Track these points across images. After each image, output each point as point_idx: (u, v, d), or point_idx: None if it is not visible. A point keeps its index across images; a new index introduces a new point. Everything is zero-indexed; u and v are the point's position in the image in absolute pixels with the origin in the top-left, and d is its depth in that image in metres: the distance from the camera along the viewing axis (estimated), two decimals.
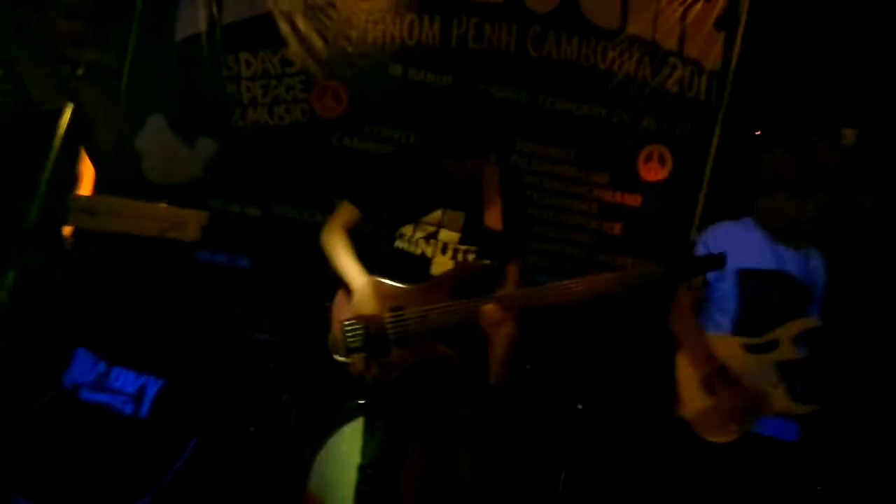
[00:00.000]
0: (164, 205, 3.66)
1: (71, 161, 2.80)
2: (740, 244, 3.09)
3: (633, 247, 4.59)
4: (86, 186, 3.61)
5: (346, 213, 3.08)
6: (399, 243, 3.02)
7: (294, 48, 4.34)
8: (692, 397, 3.04)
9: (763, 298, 3.05)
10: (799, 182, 2.98)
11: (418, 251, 2.98)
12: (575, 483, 3.85)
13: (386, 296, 2.94)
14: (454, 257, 2.97)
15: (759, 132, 4.59)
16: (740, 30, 4.44)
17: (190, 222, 3.61)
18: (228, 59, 4.35)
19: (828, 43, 4.38)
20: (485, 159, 2.95)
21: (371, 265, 3.00)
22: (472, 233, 2.97)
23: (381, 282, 2.96)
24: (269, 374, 4.00)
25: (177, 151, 4.39)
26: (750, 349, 3.01)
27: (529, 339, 3.87)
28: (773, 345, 2.99)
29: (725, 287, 3.10)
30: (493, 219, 2.96)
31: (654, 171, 4.59)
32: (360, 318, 2.91)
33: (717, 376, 2.97)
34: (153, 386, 3.57)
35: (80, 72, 2.42)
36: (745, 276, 3.07)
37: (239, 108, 4.39)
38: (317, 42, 4.34)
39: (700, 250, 3.13)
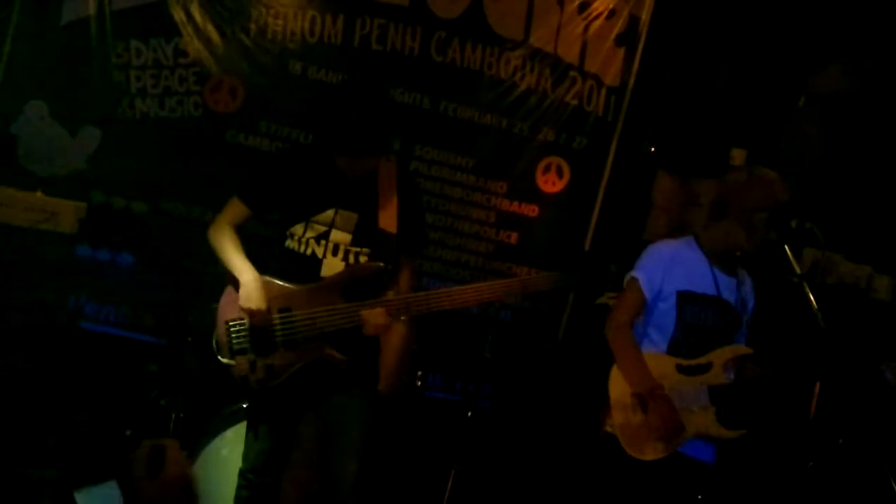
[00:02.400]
0: (38, 194, 3.46)
1: None
2: (682, 265, 3.10)
3: (529, 256, 4.61)
4: None
5: (234, 209, 2.96)
6: (289, 243, 2.92)
7: (188, 39, 4.16)
8: (623, 413, 3.03)
9: (699, 322, 3.07)
10: (752, 213, 2.99)
11: (308, 251, 2.89)
12: (462, 491, 3.81)
13: (274, 296, 2.83)
14: (345, 259, 2.89)
15: (652, 149, 4.70)
16: (640, 47, 4.55)
17: (65, 214, 3.43)
18: (118, 46, 4.13)
19: (723, 64, 4.53)
20: (378, 158, 2.88)
21: (260, 266, 2.89)
22: (365, 234, 2.89)
23: (270, 281, 2.86)
24: (149, 376, 3.82)
25: (58, 140, 4.14)
26: (683, 370, 3.03)
27: (424, 350, 3.85)
28: (705, 368, 3.02)
29: (664, 308, 3.11)
30: (388, 221, 2.89)
31: (551, 183, 4.63)
32: (248, 315, 2.79)
33: (650, 395, 2.97)
34: None
35: None
36: (683, 298, 3.08)
37: (127, 98, 4.18)
38: (213, 34, 4.17)
39: (643, 268, 3.13)
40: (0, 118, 4.06)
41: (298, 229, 2.89)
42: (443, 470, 3.82)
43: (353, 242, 2.88)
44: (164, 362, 3.81)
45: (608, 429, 3.08)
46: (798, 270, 2.86)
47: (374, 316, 2.77)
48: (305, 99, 4.26)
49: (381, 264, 2.86)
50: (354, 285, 2.84)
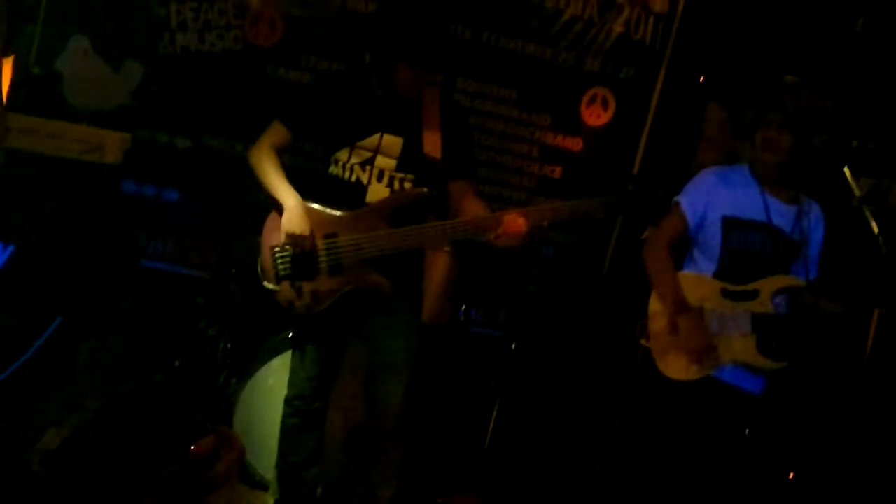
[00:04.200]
0: (82, 125, 3.47)
1: None
2: (730, 191, 3.07)
3: (573, 192, 4.52)
4: None
5: (276, 133, 2.95)
6: (333, 169, 2.91)
7: None
8: (659, 330, 3.01)
9: (747, 248, 3.02)
10: (776, 120, 2.94)
11: (353, 178, 2.87)
12: (508, 420, 3.82)
13: (319, 222, 2.83)
14: (390, 185, 2.87)
15: (702, 78, 4.56)
16: None
17: (110, 144, 3.44)
18: None
19: None
20: (437, 74, 2.83)
21: (303, 192, 2.88)
22: (410, 160, 2.86)
23: (313, 207, 2.85)
24: (197, 308, 3.87)
25: (101, 75, 4.13)
26: (727, 294, 2.99)
27: (467, 285, 3.83)
28: (752, 295, 2.98)
29: (710, 233, 3.07)
30: (433, 146, 2.86)
31: (596, 115, 4.53)
32: (292, 241, 2.78)
33: (679, 311, 2.94)
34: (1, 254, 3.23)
35: None
36: (729, 224, 3.04)
37: (167, 33, 4.15)
38: None
39: (688, 193, 3.08)
40: (44, 53, 4.08)
41: (343, 155, 2.86)
42: (487, 401, 3.83)
43: (398, 168, 2.85)
44: (210, 294, 3.85)
45: (644, 342, 3.05)
46: (858, 193, 2.77)
47: (513, 222, 2.70)
48: (345, 31, 4.20)
49: (426, 190, 2.82)
50: (399, 211, 2.82)
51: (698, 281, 3.04)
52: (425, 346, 3.02)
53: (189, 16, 4.16)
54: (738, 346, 2.96)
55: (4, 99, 3.45)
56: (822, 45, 4.29)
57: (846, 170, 2.77)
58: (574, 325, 4.48)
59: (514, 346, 3.86)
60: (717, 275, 3.04)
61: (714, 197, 3.08)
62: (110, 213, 3.44)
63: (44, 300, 3.20)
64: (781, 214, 3.05)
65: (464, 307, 3.95)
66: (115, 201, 3.58)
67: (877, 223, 2.75)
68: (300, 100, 2.98)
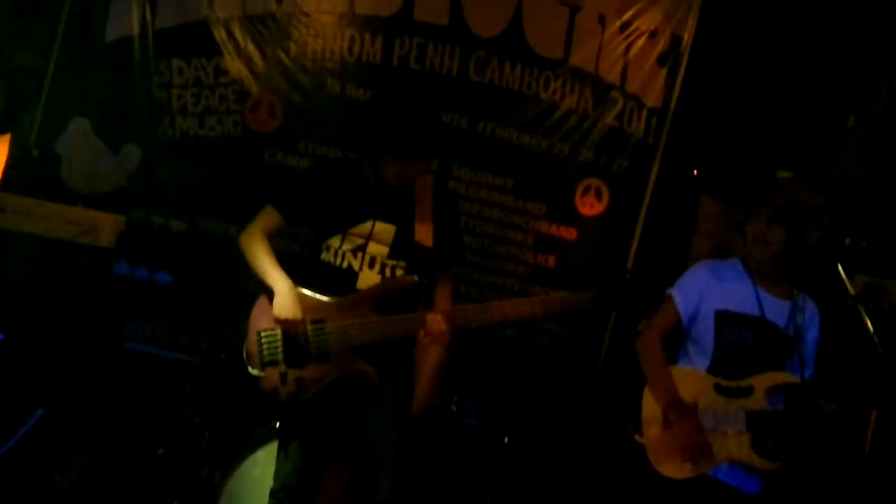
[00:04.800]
0: (78, 207, 3.48)
1: None
2: (722, 285, 3.06)
3: (567, 281, 4.51)
4: None
5: (268, 217, 2.95)
6: (325, 255, 2.90)
7: (229, 58, 4.20)
8: (652, 426, 2.96)
9: (740, 343, 3.00)
10: (765, 214, 2.97)
11: (345, 264, 2.86)
12: None
13: (308, 307, 2.80)
14: (381, 272, 2.85)
15: (695, 172, 4.60)
16: (682, 68, 4.47)
17: (104, 227, 3.44)
18: (160, 64, 4.18)
19: (767, 86, 4.43)
20: (425, 165, 2.85)
21: (294, 277, 2.86)
22: (402, 247, 2.85)
23: (303, 292, 2.82)
24: (185, 394, 3.79)
25: (99, 157, 4.17)
26: (721, 391, 2.95)
27: (459, 376, 3.78)
28: (746, 391, 2.94)
29: (704, 327, 3.05)
30: (424, 234, 2.85)
31: (590, 205, 4.55)
32: (280, 326, 2.76)
33: (672, 409, 2.89)
34: None
35: None
36: (722, 318, 3.02)
37: (168, 117, 4.21)
38: (253, 53, 4.20)
39: (681, 287, 3.08)
40: (44, 135, 4.12)
41: (335, 241, 2.86)
42: (478, 497, 3.73)
43: (390, 255, 2.85)
44: (198, 380, 3.78)
45: (637, 438, 2.99)
46: (852, 291, 2.75)
47: (434, 320, 2.70)
48: (344, 118, 4.25)
49: (416, 278, 2.81)
50: (389, 298, 2.80)
51: (692, 376, 3.01)
52: (415, 437, 2.96)
53: (190, 100, 4.23)
54: (733, 445, 2.91)
55: (0, 178, 3.47)
56: (815, 142, 4.36)
57: (839, 267, 2.76)
58: (568, 418, 4.40)
59: (506, 439, 3.78)
60: (711, 370, 3.01)
61: (707, 291, 3.07)
62: (99, 297, 3.41)
63: (27, 389, 3.14)
64: (775, 309, 3.03)
65: (456, 398, 3.88)
66: (106, 285, 3.55)
67: (872, 322, 2.72)
68: (294, 185, 3.00)
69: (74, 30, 4.15)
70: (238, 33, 4.18)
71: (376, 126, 2.78)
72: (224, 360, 3.59)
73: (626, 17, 4.39)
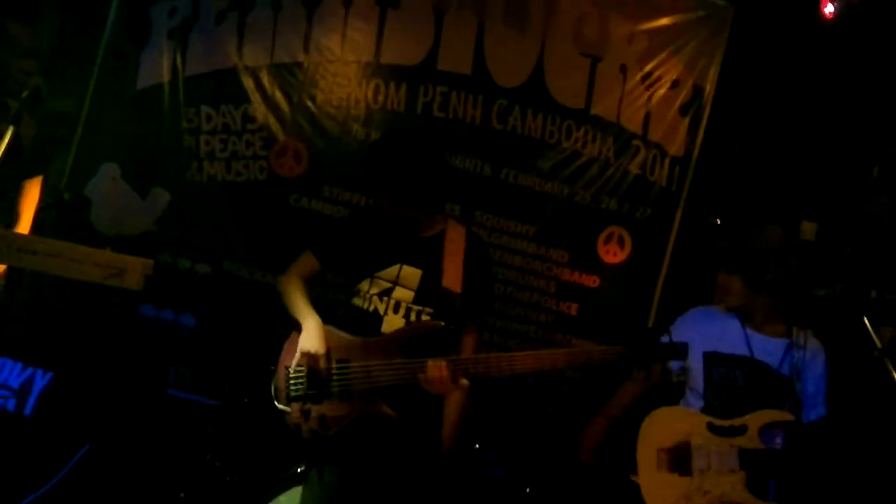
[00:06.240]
0: (107, 250, 3.52)
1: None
2: (712, 326, 3.10)
3: (590, 328, 4.51)
4: (25, 225, 3.47)
5: (306, 262, 3.03)
6: (356, 300, 2.96)
7: (257, 105, 4.28)
8: (647, 467, 2.95)
9: (729, 383, 3.02)
10: (740, 261, 2.99)
11: (371, 308, 2.90)
12: None
13: (334, 345, 2.83)
14: (406, 317, 2.88)
15: (719, 220, 4.59)
16: (704, 117, 4.50)
17: (132, 270, 3.46)
18: (189, 111, 4.27)
19: (791, 135, 4.45)
20: (425, 215, 2.90)
21: (325, 320, 2.90)
22: (428, 293, 2.88)
23: (331, 329, 2.86)
24: (206, 438, 3.80)
25: (128, 202, 4.25)
26: (714, 430, 2.95)
27: (480, 419, 3.76)
28: (739, 430, 2.93)
29: (695, 368, 3.09)
30: (453, 280, 2.88)
31: (613, 253, 4.55)
32: (307, 359, 2.78)
33: (671, 454, 2.89)
34: (40, 380, 3.26)
35: (24, 95, 2.31)
36: (710, 359, 3.05)
37: (195, 162, 4.29)
38: (280, 100, 4.28)
39: (674, 333, 3.09)
40: (75, 179, 4.20)
41: (364, 285, 2.92)
42: None
43: (416, 300, 2.88)
44: (220, 424, 3.79)
45: (633, 477, 3.00)
46: (879, 344, 2.74)
47: (434, 367, 2.71)
48: None
49: (442, 323, 2.82)
50: (414, 342, 2.82)
51: (686, 415, 3.03)
52: (436, 482, 2.94)
53: (217, 146, 4.30)
54: (727, 484, 2.89)
55: (31, 220, 3.53)
56: (839, 193, 4.35)
57: (865, 320, 2.75)
58: (590, 469, 4.35)
59: (528, 489, 3.74)
60: (705, 410, 3.02)
61: (697, 333, 3.11)
62: (139, 341, 3.46)
63: (75, 425, 3.19)
64: (766, 349, 3.06)
65: (477, 446, 3.86)
66: (142, 329, 3.60)
67: None
68: (331, 232, 3.09)
69: (107, 77, 4.25)
70: (266, 81, 4.27)
71: (372, 165, 2.89)
72: (246, 404, 3.60)
73: (647, 67, 4.44)
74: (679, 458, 2.91)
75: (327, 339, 2.82)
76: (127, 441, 3.50)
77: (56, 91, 4.21)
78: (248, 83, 4.26)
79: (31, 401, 3.17)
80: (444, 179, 2.98)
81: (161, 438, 3.87)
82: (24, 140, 2.61)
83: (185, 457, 3.81)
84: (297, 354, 2.81)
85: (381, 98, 4.33)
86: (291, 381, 2.81)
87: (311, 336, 2.80)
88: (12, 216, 3.41)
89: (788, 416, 2.94)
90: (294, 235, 4.22)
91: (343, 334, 2.86)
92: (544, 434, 3.96)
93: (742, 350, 3.04)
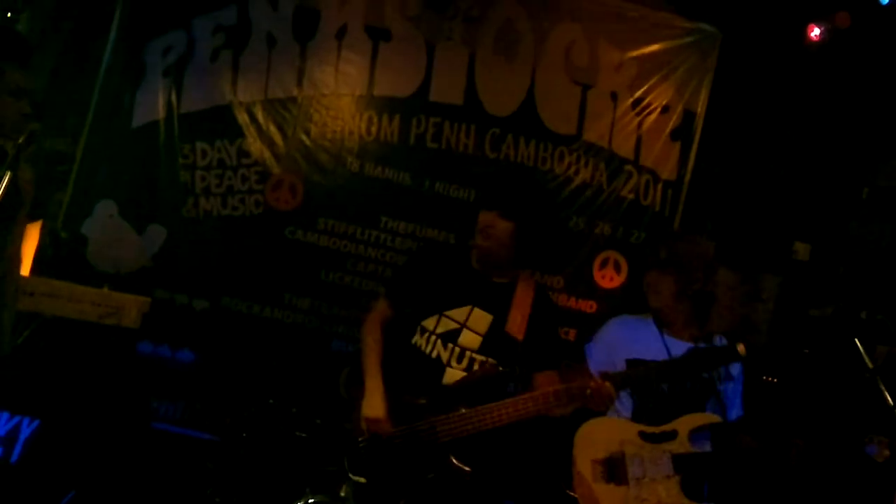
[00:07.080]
0: (104, 289, 3.54)
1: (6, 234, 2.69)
2: (632, 335, 3.12)
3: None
4: (24, 268, 3.48)
5: (382, 308, 3.03)
6: (417, 338, 2.93)
7: (252, 140, 4.32)
8: (582, 479, 2.94)
9: (653, 389, 3.03)
10: (674, 264, 3.07)
11: (434, 353, 2.88)
12: None
13: (395, 411, 2.81)
14: (468, 368, 2.87)
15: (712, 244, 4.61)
16: (695, 141, 4.53)
17: (129, 309, 3.49)
18: (184, 147, 4.31)
19: (783, 157, 4.48)
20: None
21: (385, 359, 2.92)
22: (494, 340, 2.87)
23: (389, 395, 2.84)
24: (205, 473, 3.80)
25: (125, 238, 4.28)
26: (646, 437, 2.95)
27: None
28: (670, 435, 2.94)
29: None
30: (516, 327, 2.88)
31: (609, 278, 4.57)
32: (368, 425, 2.80)
33: (605, 465, 2.90)
34: (26, 428, 3.23)
35: (20, 140, 2.34)
36: (633, 366, 3.05)
37: (192, 198, 4.32)
38: (275, 135, 4.33)
39: (594, 342, 3.16)
40: (72, 217, 4.23)
41: (430, 323, 2.90)
42: None
43: (481, 349, 2.87)
44: (219, 459, 3.79)
45: (570, 492, 2.98)
46: (870, 365, 2.75)
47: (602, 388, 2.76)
48: (362, 195, 4.35)
49: (501, 368, 2.84)
50: (476, 389, 2.81)
51: (617, 424, 3.02)
52: None
53: (213, 182, 4.33)
54: (662, 490, 2.88)
55: (30, 263, 3.55)
56: (830, 214, 4.38)
57: (857, 341, 2.77)
58: None
59: None
60: (634, 417, 3.04)
61: (615, 343, 3.13)
62: (125, 378, 3.46)
63: (61, 471, 3.18)
64: (684, 353, 3.06)
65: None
66: (131, 366, 3.60)
67: (890, 395, 2.71)
68: (403, 275, 3.15)
69: (103, 116, 4.30)
70: (260, 116, 4.32)
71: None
72: (245, 439, 3.60)
73: (637, 93, 4.49)
74: (614, 468, 2.90)
75: (388, 402, 2.81)
76: (120, 482, 3.49)
77: (52, 130, 4.27)
78: (243, 118, 4.31)
79: (18, 449, 3.16)
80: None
81: (159, 476, 3.86)
82: (22, 183, 2.61)
83: (185, 493, 3.80)
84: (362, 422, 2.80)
85: (374, 130, 4.38)
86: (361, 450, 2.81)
87: (371, 404, 2.79)
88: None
89: (715, 419, 2.97)
90: (290, 268, 4.27)
91: (403, 398, 2.83)
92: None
93: (662, 355, 3.05)
